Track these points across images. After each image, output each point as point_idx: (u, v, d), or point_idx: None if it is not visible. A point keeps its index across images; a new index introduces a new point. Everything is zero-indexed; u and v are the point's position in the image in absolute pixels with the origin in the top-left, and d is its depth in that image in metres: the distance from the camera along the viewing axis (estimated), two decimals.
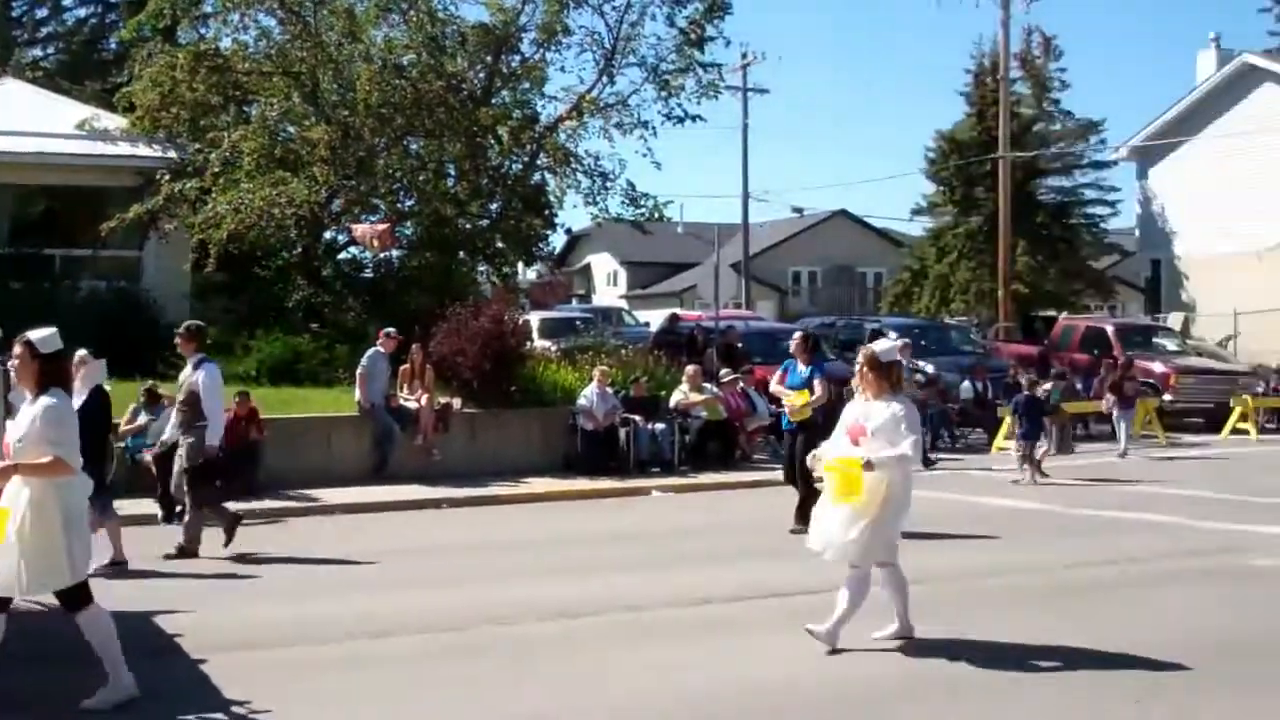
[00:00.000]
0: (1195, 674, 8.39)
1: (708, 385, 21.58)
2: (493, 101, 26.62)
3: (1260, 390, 28.53)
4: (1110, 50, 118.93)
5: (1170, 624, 9.86)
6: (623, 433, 20.42)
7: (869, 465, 8.63)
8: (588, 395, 20.32)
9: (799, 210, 54.84)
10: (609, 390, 20.55)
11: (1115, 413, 23.01)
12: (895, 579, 9.07)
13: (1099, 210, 49.50)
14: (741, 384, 22.02)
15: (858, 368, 9.14)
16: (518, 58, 27.10)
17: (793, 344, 15.08)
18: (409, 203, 26.28)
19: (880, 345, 9.19)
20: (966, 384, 24.89)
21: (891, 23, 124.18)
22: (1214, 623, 9.92)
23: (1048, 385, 22.20)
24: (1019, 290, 42.21)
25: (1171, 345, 31.18)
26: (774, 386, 15.49)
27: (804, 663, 8.67)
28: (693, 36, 26.70)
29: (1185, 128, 44.04)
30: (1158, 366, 28.31)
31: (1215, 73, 43.62)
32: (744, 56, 45.21)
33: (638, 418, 20.60)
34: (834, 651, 8.76)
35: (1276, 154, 39.41)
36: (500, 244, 26.86)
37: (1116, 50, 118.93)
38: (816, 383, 14.09)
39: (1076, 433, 26.09)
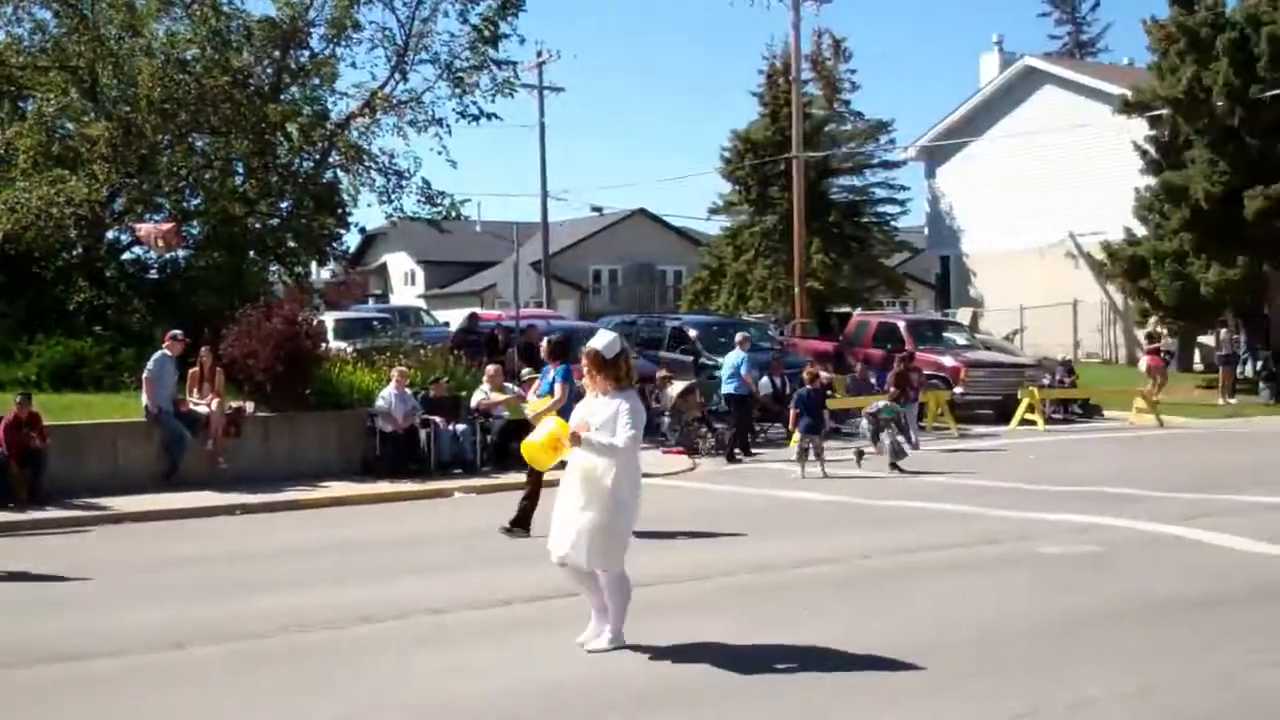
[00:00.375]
0: (986, 657, 8.52)
1: (509, 385, 21.35)
2: (281, 98, 25.99)
3: (1046, 382, 29.56)
4: (898, 52, 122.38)
5: (954, 611, 10.01)
6: (423, 434, 20.07)
7: (575, 438, 8.50)
8: (386, 396, 19.91)
9: (598, 209, 55.01)
10: (408, 391, 20.18)
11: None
12: (616, 586, 8.77)
13: (890, 209, 50.86)
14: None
15: (584, 365, 8.96)
16: (307, 53, 26.57)
17: (543, 349, 15.08)
18: (195, 201, 25.54)
19: (601, 340, 8.91)
20: (765, 380, 25.12)
21: (687, 23, 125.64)
22: (1000, 609, 10.09)
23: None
24: (814, 287, 43.03)
25: (961, 340, 32.06)
26: (529, 395, 15.48)
27: (609, 662, 8.56)
28: (486, 33, 26.46)
29: (971, 128, 45.46)
30: (948, 360, 29.05)
31: (998, 75, 45.14)
32: (539, 54, 45.12)
33: (438, 418, 20.28)
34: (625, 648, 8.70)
35: (1057, 153, 40.95)
36: (292, 243, 26.25)
37: (905, 52, 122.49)
38: (557, 385, 13.90)
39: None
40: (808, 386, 20.06)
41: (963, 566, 11.97)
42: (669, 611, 10.16)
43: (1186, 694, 7.77)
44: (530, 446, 8.98)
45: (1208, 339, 35.32)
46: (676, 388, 23.22)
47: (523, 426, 20.89)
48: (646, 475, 19.68)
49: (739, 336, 24.02)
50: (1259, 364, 33.90)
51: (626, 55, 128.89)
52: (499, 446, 20.50)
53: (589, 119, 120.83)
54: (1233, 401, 31.47)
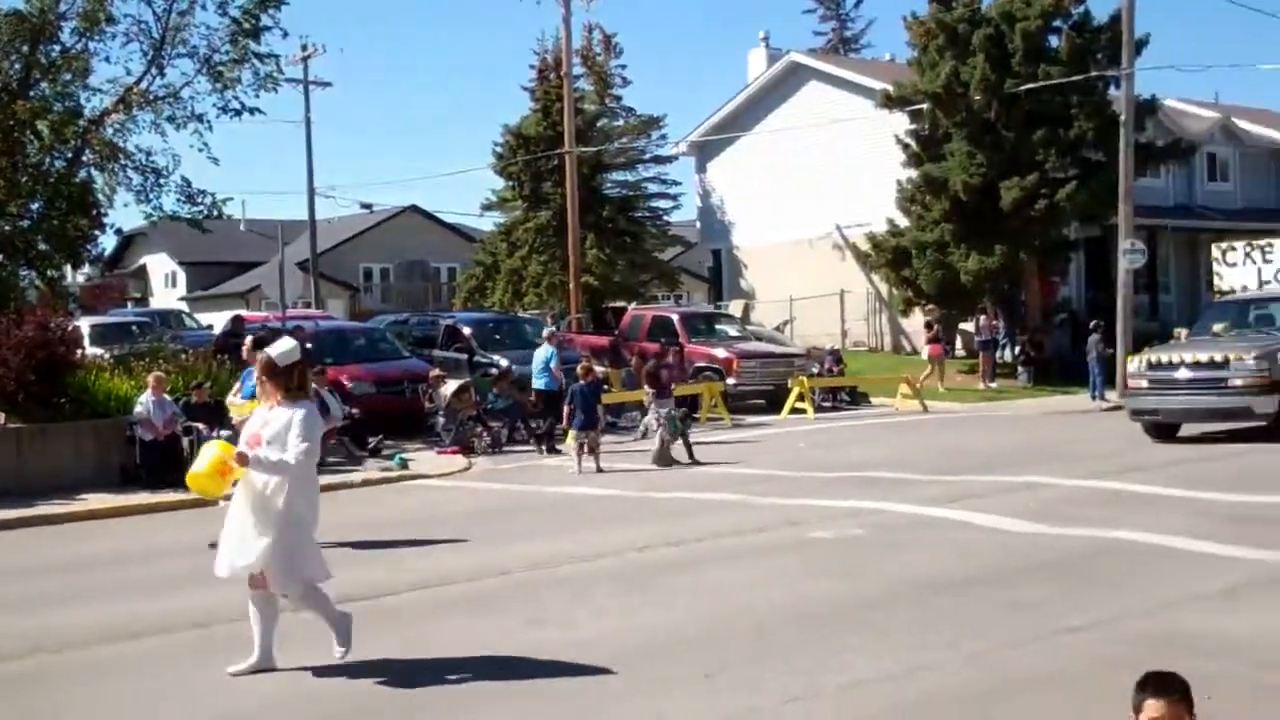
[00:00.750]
0: (760, 643, 8.56)
1: None
2: (31, 94, 24.75)
3: (815, 371, 30.18)
4: (669, 48, 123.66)
5: (729, 599, 10.05)
6: (185, 441, 19.30)
7: (243, 459, 8.08)
8: (144, 403, 19.12)
9: (368, 206, 54.14)
10: (167, 397, 19.42)
11: (651, 404, 21.56)
12: (265, 606, 8.38)
13: (663, 204, 51.32)
14: (313, 385, 21.26)
15: (257, 373, 8.54)
16: (58, 48, 25.35)
17: (245, 349, 14.68)
18: None
19: (278, 347, 8.48)
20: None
21: (458, 18, 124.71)
22: (774, 595, 10.17)
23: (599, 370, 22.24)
24: (589, 282, 43.13)
25: (733, 331, 32.49)
26: (229, 398, 15.00)
27: (382, 668, 8.33)
28: (247, 26, 25.63)
29: (740, 124, 46.10)
30: (720, 352, 29.40)
31: (765, 71, 45.86)
32: (304, 48, 44.10)
33: (201, 425, 19.53)
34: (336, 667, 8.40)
35: (824, 147, 41.84)
36: (44, 246, 25.05)
37: (675, 48, 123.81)
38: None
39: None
40: (582, 382, 20.00)
41: (736, 555, 12.07)
42: (446, 613, 10.04)
43: (949, 673, 7.94)
44: (196, 478, 8.48)
45: (968, 325, 36.51)
46: (450, 387, 22.93)
47: None
48: (423, 476, 19.56)
49: (546, 332, 24.87)
50: (1017, 349, 35.23)
51: (396, 50, 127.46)
52: None
53: (358, 114, 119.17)
54: (993, 385, 32.63)
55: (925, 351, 32.88)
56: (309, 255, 47.12)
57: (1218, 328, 21.63)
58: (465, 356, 27.47)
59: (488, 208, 51.84)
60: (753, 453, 21.11)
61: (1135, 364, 20.97)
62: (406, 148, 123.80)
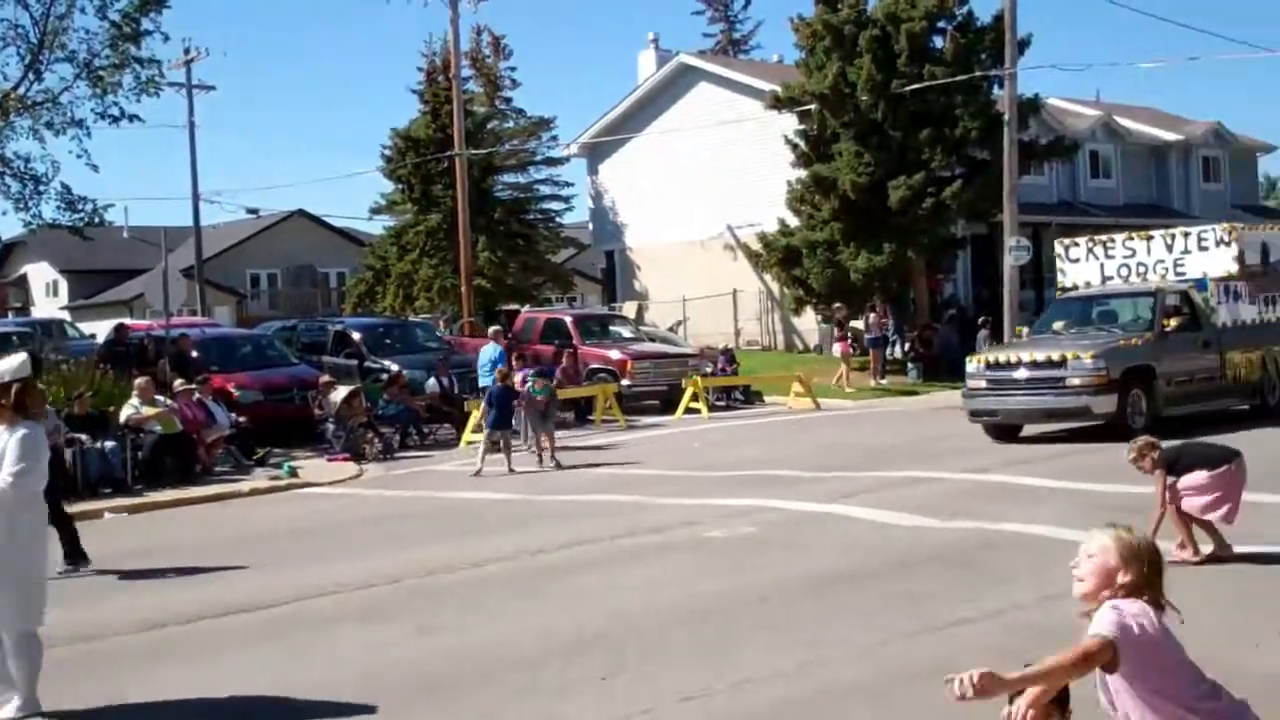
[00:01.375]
0: (656, 644, 8.52)
1: (161, 397, 20.33)
2: None
3: (709, 371, 30.25)
4: (558, 49, 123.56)
5: (625, 601, 10.02)
6: (68, 453, 18.82)
7: None
8: None
9: (254, 211, 53.14)
10: (50, 408, 18.90)
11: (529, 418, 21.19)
12: (25, 647, 7.50)
13: (554, 205, 51.17)
14: (197, 394, 20.91)
15: None
16: None
17: None
18: None
19: (3, 364, 7.79)
20: (432, 380, 24.80)
21: (344, 20, 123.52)
22: (669, 595, 10.15)
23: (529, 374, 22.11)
24: (482, 285, 42.88)
25: (627, 333, 32.48)
26: None
27: (267, 678, 8.15)
28: (127, 30, 25.22)
29: (631, 125, 46.14)
30: (614, 354, 29.36)
31: (655, 72, 45.95)
32: (187, 52, 43.30)
33: (84, 436, 19.07)
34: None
35: (714, 148, 42.03)
36: None
37: (564, 50, 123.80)
38: None
39: None
40: (500, 384, 19.95)
41: (632, 556, 12.04)
42: (336, 621, 9.89)
43: (842, 666, 7.97)
44: None
45: (858, 323, 36.88)
46: (340, 393, 22.64)
47: (177, 441, 20.06)
48: (312, 484, 19.27)
49: (492, 330, 25.73)
50: (907, 345, 35.63)
51: (282, 52, 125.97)
52: (152, 462, 19.47)
53: (243, 118, 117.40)
54: (884, 382, 32.95)
55: (836, 349, 33.06)
56: (194, 262, 46.34)
57: (1058, 326, 21.28)
58: (355, 362, 27.16)
59: (377, 211, 51.34)
60: (648, 454, 21.09)
61: (974, 364, 20.50)
62: (293, 152, 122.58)
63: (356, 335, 28.61)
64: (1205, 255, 21.17)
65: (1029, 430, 20.12)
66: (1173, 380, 19.85)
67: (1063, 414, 19.28)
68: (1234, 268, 20.94)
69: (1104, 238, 22.82)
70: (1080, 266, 22.66)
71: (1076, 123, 45.86)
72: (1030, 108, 35.45)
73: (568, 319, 32.02)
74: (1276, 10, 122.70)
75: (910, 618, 9.00)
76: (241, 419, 21.57)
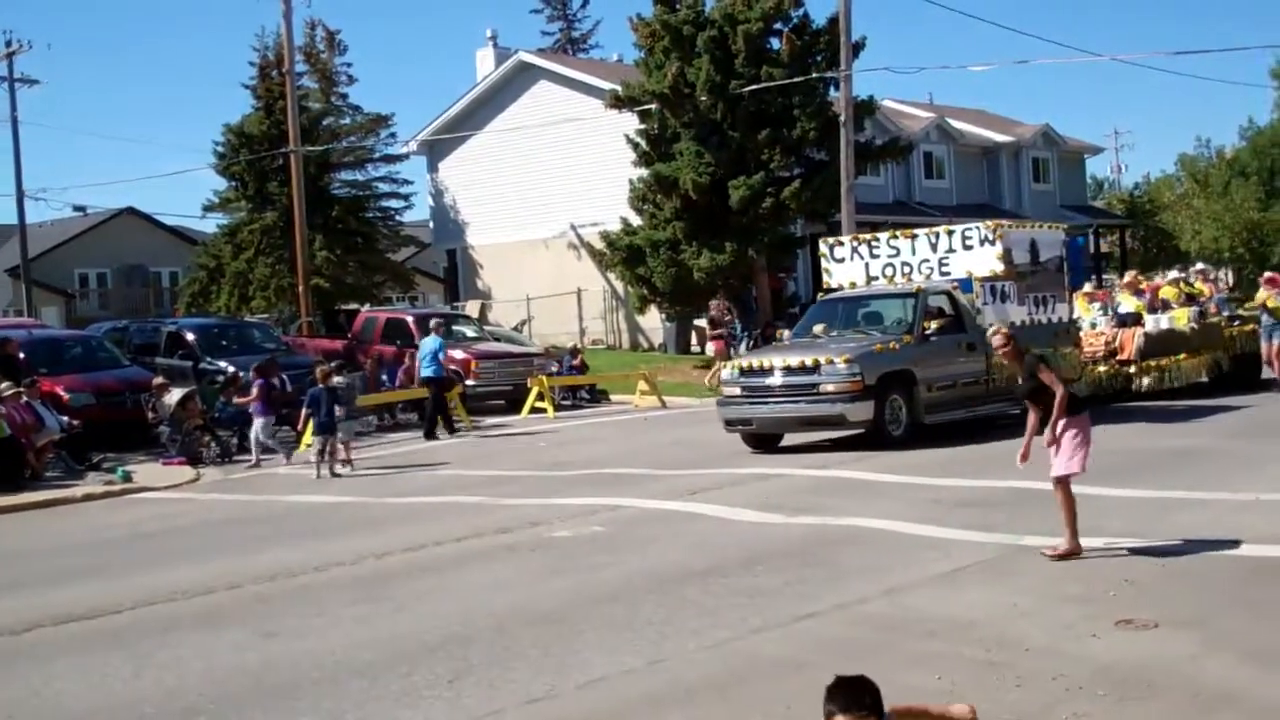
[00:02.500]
0: (502, 645, 8.45)
1: None
2: None
3: (555, 370, 30.16)
4: (395, 46, 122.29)
5: (471, 603, 9.92)
6: None
7: None
8: None
9: (82, 209, 51.61)
10: None
11: (259, 420, 20.96)
12: None
13: (394, 203, 50.46)
14: (25, 397, 20.16)
15: None
16: None
17: None
18: None
19: None
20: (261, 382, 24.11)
21: (174, 13, 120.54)
22: (516, 596, 10.08)
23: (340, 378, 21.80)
24: (320, 284, 42.18)
25: (471, 332, 32.19)
26: None
27: (104, 686, 7.88)
28: None
29: (470, 122, 45.88)
30: (458, 353, 29.08)
31: (495, 70, 45.75)
32: (9, 44, 41.86)
33: None
34: None
35: (556, 147, 41.99)
36: None
37: (402, 46, 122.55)
38: None
39: (383, 422, 26.35)
40: (320, 385, 19.53)
41: (477, 558, 11.92)
42: (173, 627, 9.63)
43: (690, 664, 7.99)
44: None
45: (701, 321, 37.13)
46: (175, 395, 22.04)
47: (5, 446, 19.31)
48: (147, 489, 18.77)
49: (433, 323, 25.65)
50: (750, 343, 35.97)
51: (109, 46, 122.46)
52: None
53: (70, 113, 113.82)
54: None
55: (710, 347, 33.00)
56: (19, 261, 44.82)
57: (818, 329, 20.22)
58: (190, 364, 26.49)
59: (210, 209, 50.05)
60: (493, 454, 20.95)
61: (728, 370, 19.61)
62: (123, 148, 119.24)
63: (191, 336, 27.91)
64: (970, 254, 20.01)
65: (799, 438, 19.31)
66: (934, 385, 18.95)
67: (818, 422, 18.43)
68: (999, 267, 19.81)
69: (868, 236, 21.67)
70: (845, 266, 21.40)
71: (911, 124, 46.88)
72: (866, 109, 36.09)
73: (409, 318, 31.63)
74: (1103, 16, 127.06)
75: (756, 613, 9.06)
76: (73, 422, 20.87)
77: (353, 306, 41.68)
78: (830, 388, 18.07)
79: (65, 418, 20.90)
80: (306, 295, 37.86)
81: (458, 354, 29.01)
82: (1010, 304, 19.92)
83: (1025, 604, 8.91)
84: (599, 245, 38.22)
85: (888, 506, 13.15)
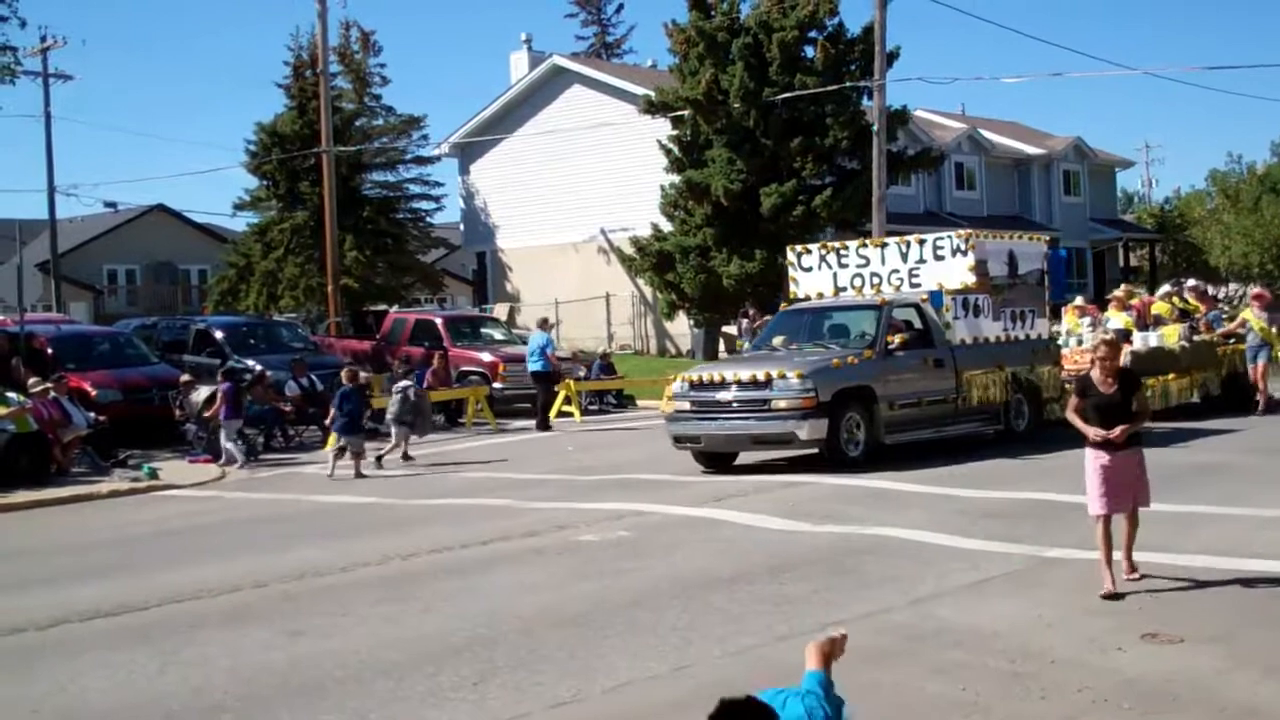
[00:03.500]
0: (528, 648, 8.45)
1: (13, 395, 19.69)
2: None
3: (582, 375, 30.17)
4: (430, 47, 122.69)
5: (497, 605, 9.92)
6: None
7: None
8: None
9: (113, 205, 51.81)
10: None
11: (222, 430, 21.01)
12: None
13: (424, 205, 50.51)
14: (53, 393, 20.28)
15: None
16: None
17: None
18: None
19: None
20: (291, 383, 24.21)
21: (209, 10, 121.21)
22: (542, 600, 10.08)
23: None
24: (349, 285, 42.25)
25: (499, 335, 32.26)
26: None
27: (128, 683, 7.89)
28: None
29: (503, 125, 45.97)
30: (485, 356, 29.15)
31: (528, 73, 45.83)
32: (44, 40, 42.13)
33: None
34: None
35: (588, 151, 42.04)
36: None
37: (436, 48, 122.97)
38: None
39: None
40: (348, 385, 19.59)
41: (504, 560, 11.93)
42: (200, 626, 9.66)
43: (716, 670, 7.98)
44: None
45: (731, 328, 37.10)
46: (202, 393, 22.12)
47: (32, 441, 19.44)
48: (174, 486, 18.85)
49: (539, 319, 27.53)
50: None
51: (144, 43, 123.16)
52: (3, 463, 18.83)
53: (102, 109, 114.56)
54: None
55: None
56: (49, 256, 45.12)
57: (778, 341, 19.11)
58: (218, 362, 26.61)
59: (240, 207, 50.20)
60: (520, 457, 20.96)
61: (678, 383, 18.36)
62: (155, 145, 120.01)
63: (219, 334, 28.03)
64: (941, 265, 19.14)
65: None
66: (897, 403, 17.87)
67: (769, 440, 17.29)
68: (971, 279, 18.91)
69: (837, 245, 20.72)
70: (813, 276, 20.43)
71: (943, 135, 46.79)
72: (899, 119, 36.05)
73: (438, 320, 31.70)
74: (1136, 30, 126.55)
75: (782, 621, 9.04)
76: (100, 419, 20.99)
77: (381, 307, 41.79)
78: (782, 404, 16.90)
79: (92, 414, 21.02)
80: (335, 295, 37.97)
81: (485, 356, 29.08)
82: (985, 318, 19.30)
83: (1050, 616, 8.87)
84: (629, 250, 38.24)
85: (914, 516, 13.11)
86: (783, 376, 16.96)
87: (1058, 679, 7.44)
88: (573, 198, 42.87)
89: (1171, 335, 22.22)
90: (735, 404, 17.33)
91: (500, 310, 42.78)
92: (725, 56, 35.43)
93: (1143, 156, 78.95)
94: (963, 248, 19.06)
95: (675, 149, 37.09)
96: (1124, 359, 21.07)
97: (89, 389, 22.54)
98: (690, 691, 7.58)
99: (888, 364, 17.87)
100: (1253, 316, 22.25)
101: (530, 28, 72.66)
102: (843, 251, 20.25)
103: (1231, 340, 22.80)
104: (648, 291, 40.74)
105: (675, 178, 36.97)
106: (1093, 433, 9.57)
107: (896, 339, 18.01)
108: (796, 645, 8.42)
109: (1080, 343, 22.26)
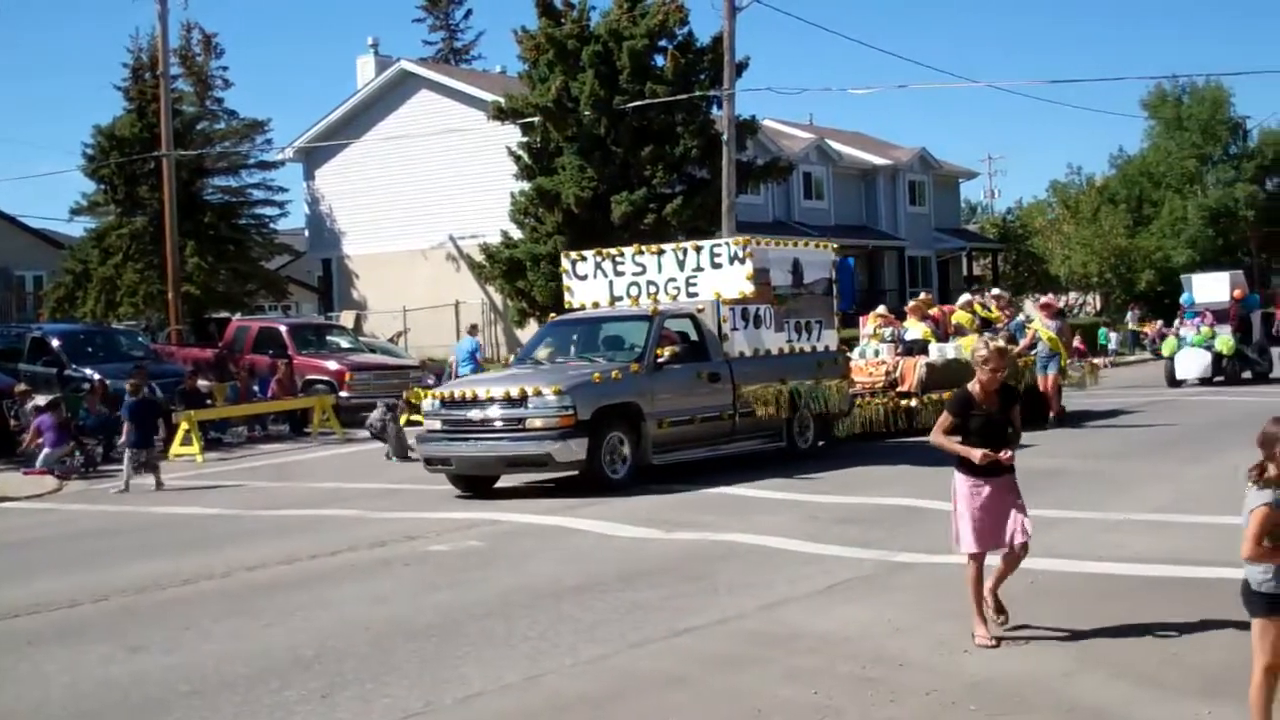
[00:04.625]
0: (378, 660, 8.33)
1: None
2: None
3: (430, 383, 29.86)
4: (273, 51, 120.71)
5: (346, 616, 9.76)
6: None
7: None
8: None
9: None
10: None
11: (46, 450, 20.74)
12: None
13: (268, 210, 49.62)
14: None
15: None
16: None
17: None
18: None
19: None
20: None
21: (44, 9, 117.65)
22: (392, 611, 9.94)
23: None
24: (191, 292, 41.32)
25: (345, 343, 31.86)
26: None
27: None
28: None
29: (349, 130, 45.42)
30: (332, 364, 28.76)
31: (375, 78, 45.39)
32: None
33: None
34: None
35: (436, 157, 41.77)
36: None
37: (280, 51, 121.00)
38: None
39: (254, 433, 25.91)
40: (132, 396, 19.08)
41: (353, 571, 11.74)
42: (41, 639, 9.38)
43: (568, 679, 7.93)
44: None
45: None
46: (38, 402, 21.44)
47: None
48: (8, 499, 18.19)
49: (469, 326, 28.94)
50: None
51: None
52: None
53: None
54: None
55: None
56: None
57: (543, 354, 18.05)
58: (55, 370, 25.82)
59: (77, 212, 48.73)
60: (368, 466, 20.69)
61: (428, 401, 17.16)
62: None
63: (56, 342, 27.24)
64: (719, 273, 18.12)
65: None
66: (667, 421, 16.76)
67: (524, 462, 15.90)
68: (749, 288, 17.88)
69: (613, 251, 19.54)
70: (588, 285, 19.30)
71: (791, 145, 47.43)
72: (748, 128, 36.38)
73: (282, 328, 31.18)
74: (980, 44, 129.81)
75: (635, 628, 9.03)
76: None
77: (224, 315, 40.92)
78: (538, 423, 15.64)
79: None
80: (176, 302, 37.02)
81: (331, 364, 28.67)
82: (766, 329, 18.43)
83: (900, 620, 8.99)
84: (479, 258, 38.01)
85: (766, 522, 13.21)
86: (538, 393, 15.70)
87: (907, 682, 7.54)
88: (421, 204, 42.53)
89: (969, 346, 21.73)
90: (488, 423, 16.00)
91: (347, 318, 42.21)
92: (575, 64, 35.42)
93: (986, 167, 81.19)
94: (740, 255, 18.10)
95: (525, 156, 36.96)
96: (919, 371, 20.94)
97: None
98: (544, 700, 7.53)
99: (656, 379, 16.80)
100: (1041, 326, 22.05)
101: (377, 31, 72.03)
102: (619, 259, 19.15)
103: (1032, 351, 22.27)
104: (498, 299, 40.55)
105: (525, 185, 36.85)
106: (979, 454, 8.28)
107: (665, 352, 16.95)
108: (649, 652, 8.46)
109: (876, 354, 21.94)
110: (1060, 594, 9.61)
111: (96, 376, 24.40)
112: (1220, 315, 30.44)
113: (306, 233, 49.11)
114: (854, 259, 35.67)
